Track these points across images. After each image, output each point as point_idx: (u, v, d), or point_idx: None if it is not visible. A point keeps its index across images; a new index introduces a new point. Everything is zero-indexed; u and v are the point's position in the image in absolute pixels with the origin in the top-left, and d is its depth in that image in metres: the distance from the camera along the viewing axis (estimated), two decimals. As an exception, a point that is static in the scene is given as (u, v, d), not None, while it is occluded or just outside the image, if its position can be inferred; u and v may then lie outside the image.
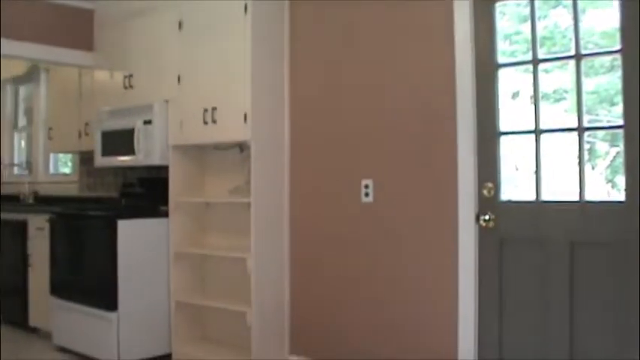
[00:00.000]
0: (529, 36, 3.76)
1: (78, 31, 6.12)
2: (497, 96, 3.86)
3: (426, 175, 4.14)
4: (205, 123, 4.95)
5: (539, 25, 3.75)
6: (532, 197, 3.75)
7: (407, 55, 4.26)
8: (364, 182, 4.45)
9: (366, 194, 4.44)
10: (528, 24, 3.76)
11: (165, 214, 5.34)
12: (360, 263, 4.50)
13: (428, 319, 4.12)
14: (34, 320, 6.17)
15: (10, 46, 5.66)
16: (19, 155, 8.47)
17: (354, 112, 4.55)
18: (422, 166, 4.16)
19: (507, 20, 3.92)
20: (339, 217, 4.64)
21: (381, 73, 4.39)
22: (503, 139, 3.86)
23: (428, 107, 4.14)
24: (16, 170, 8.33)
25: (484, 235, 3.88)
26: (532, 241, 3.72)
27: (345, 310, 4.59)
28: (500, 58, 3.88)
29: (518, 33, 3.89)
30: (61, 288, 5.63)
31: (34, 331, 6.20)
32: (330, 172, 4.69)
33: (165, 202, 5.34)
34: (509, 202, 3.86)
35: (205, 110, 4.95)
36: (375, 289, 4.41)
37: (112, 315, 5.09)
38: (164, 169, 5.39)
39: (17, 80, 8.25)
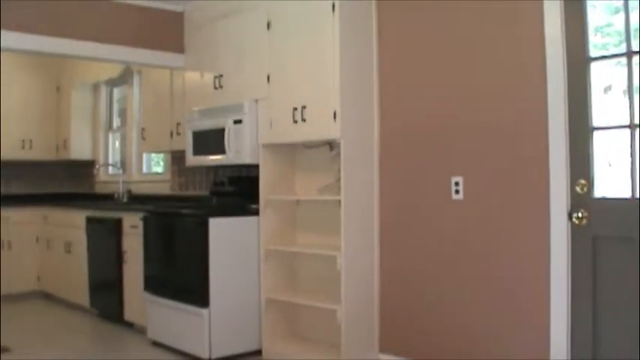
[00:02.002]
0: (622, 28, 3.74)
1: (169, 34, 6.37)
2: (590, 90, 3.85)
3: (516, 172, 4.16)
4: (295, 121, 5.07)
5: (632, 17, 3.72)
6: (627, 194, 3.72)
7: (496, 51, 4.29)
8: (454, 179, 4.49)
9: (457, 191, 4.48)
10: (620, 16, 3.75)
11: (256, 213, 5.48)
12: (450, 261, 4.54)
13: (519, 318, 4.14)
14: (129, 315, 6.44)
15: (105, 50, 5.96)
16: (113, 155, 8.83)
17: (444, 108, 4.60)
18: (513, 163, 4.18)
19: (598, 13, 3.89)
20: (429, 214, 4.69)
21: (471, 70, 4.43)
22: (596, 134, 3.85)
23: (518, 103, 4.15)
24: (110, 170, 8.68)
25: (576, 232, 3.88)
26: (627, 239, 3.69)
27: (435, 308, 4.64)
28: (592, 52, 3.86)
29: (609, 25, 3.87)
30: (154, 284, 5.87)
31: (130, 325, 6.46)
32: (419, 169, 4.75)
33: (256, 200, 5.48)
34: (603, 199, 3.84)
35: (295, 109, 5.07)
36: (465, 288, 4.45)
37: (203, 311, 5.27)
38: (254, 167, 5.54)
39: (111, 82, 8.59)
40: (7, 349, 5.74)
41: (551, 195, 3.95)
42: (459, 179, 4.47)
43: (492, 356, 4.25)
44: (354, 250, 4.88)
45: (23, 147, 8.52)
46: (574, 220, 3.86)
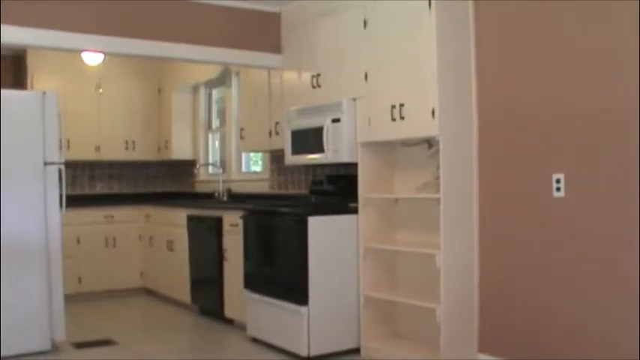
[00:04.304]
0: None
1: (266, 34, 6.50)
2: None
3: (620, 169, 4.09)
4: (393, 119, 5.10)
5: None
6: None
7: (596, 44, 4.22)
8: (555, 177, 4.44)
9: (558, 189, 4.43)
10: None
11: (355, 211, 5.53)
12: (551, 260, 4.50)
13: (625, 318, 4.06)
14: (229, 312, 6.60)
15: (204, 53, 6.17)
16: (213, 155, 9.05)
17: (543, 105, 4.56)
18: (616, 160, 4.11)
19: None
20: (529, 212, 4.66)
21: (570, 67, 4.38)
22: None
23: (621, 98, 4.08)
24: (210, 169, 8.89)
25: (685, 231, 3.78)
26: None
27: (537, 308, 4.61)
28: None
29: None
30: (254, 281, 6.00)
31: (230, 322, 6.63)
32: (519, 167, 4.72)
33: (354, 198, 5.54)
34: None
35: (393, 107, 5.10)
36: (567, 287, 4.41)
37: (302, 309, 5.35)
38: (353, 166, 5.60)
39: (210, 83, 8.82)
40: (112, 342, 6.02)
41: (658, 192, 3.87)
42: (561, 176, 4.41)
43: (595, 356, 4.18)
44: (454, 249, 4.89)
45: (127, 148, 8.88)
46: (683, 218, 3.77)
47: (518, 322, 4.72)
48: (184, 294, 7.36)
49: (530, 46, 4.65)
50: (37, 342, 5.60)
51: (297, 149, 6.11)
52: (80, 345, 5.92)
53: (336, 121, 5.59)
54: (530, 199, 4.65)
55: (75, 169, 8.73)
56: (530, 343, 4.62)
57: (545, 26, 4.54)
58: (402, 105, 5.03)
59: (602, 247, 4.19)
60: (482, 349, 4.98)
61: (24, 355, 5.50)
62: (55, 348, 5.71)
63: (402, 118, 5.04)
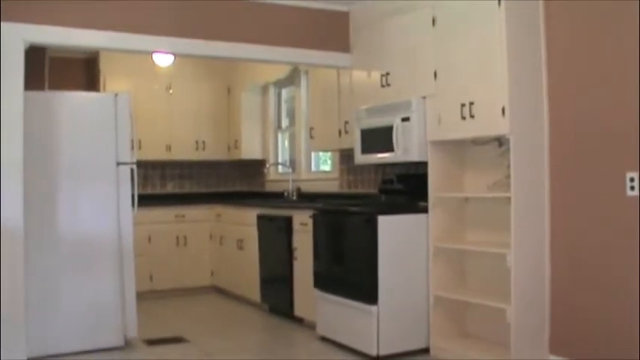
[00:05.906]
0: None
1: (335, 34, 6.61)
2: None
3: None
4: (463, 118, 5.16)
5: None
6: None
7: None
8: (629, 175, 4.43)
9: (632, 188, 4.42)
10: None
11: (424, 210, 5.60)
12: (624, 260, 4.49)
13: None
14: (299, 310, 6.75)
15: (274, 52, 6.31)
16: (282, 154, 9.22)
17: (616, 103, 4.55)
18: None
19: None
20: (601, 211, 4.65)
21: (644, 63, 4.36)
22: None
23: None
24: (280, 169, 9.06)
25: None
26: None
27: (609, 309, 4.59)
28: None
29: None
30: (324, 280, 6.11)
31: (300, 320, 6.77)
32: (592, 165, 4.72)
33: (424, 197, 5.60)
34: None
35: (463, 105, 5.15)
36: (641, 288, 4.39)
37: (372, 308, 5.44)
38: (422, 164, 5.66)
39: (279, 83, 8.99)
40: (183, 340, 6.24)
41: None
42: (635, 175, 4.40)
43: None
44: (525, 248, 4.91)
45: (197, 148, 9.14)
46: None
47: (590, 324, 4.71)
48: (254, 292, 7.53)
49: (601, 44, 4.65)
50: (111, 338, 5.85)
51: (366, 148, 6.19)
52: (152, 342, 6.14)
53: (405, 119, 5.66)
54: (602, 198, 4.65)
55: (146, 169, 9.01)
56: (602, 345, 4.62)
57: (617, 24, 4.53)
58: (471, 103, 5.09)
59: (677, 247, 4.17)
60: (554, 350, 4.98)
61: (98, 350, 5.75)
62: (127, 344, 5.93)
63: (472, 116, 5.09)
